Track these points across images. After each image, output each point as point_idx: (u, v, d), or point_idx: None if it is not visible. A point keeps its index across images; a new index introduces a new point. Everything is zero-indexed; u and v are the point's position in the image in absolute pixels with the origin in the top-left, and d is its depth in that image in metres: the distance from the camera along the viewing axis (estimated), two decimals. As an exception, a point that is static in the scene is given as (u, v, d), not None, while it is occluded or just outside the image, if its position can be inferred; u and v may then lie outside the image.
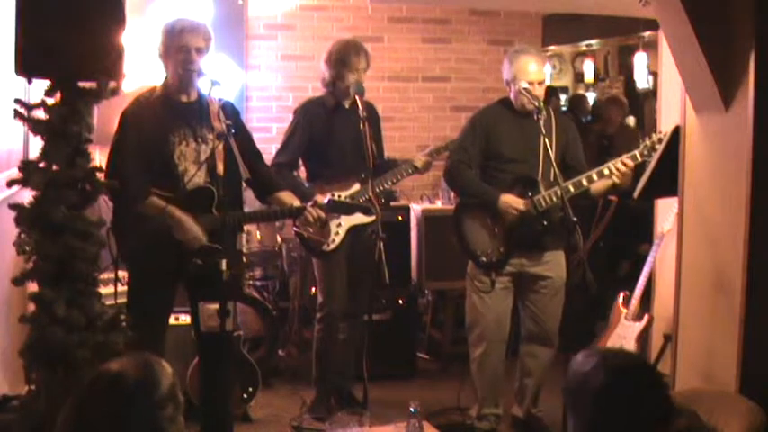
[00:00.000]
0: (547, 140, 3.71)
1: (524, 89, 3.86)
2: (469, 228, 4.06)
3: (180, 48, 3.41)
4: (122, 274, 3.62)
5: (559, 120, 4.06)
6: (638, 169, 3.85)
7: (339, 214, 4.01)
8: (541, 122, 3.72)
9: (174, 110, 3.49)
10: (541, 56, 4.03)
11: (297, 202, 3.68)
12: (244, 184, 3.63)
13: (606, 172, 3.83)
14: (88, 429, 1.58)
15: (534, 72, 3.91)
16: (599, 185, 3.89)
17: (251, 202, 4.01)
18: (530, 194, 3.90)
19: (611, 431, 1.80)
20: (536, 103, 3.78)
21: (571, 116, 6.37)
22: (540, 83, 3.93)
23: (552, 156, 3.69)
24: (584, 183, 3.83)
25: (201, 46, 3.45)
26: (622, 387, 1.81)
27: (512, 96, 4.00)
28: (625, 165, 3.81)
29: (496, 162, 4.01)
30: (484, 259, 4.00)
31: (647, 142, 3.79)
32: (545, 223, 3.91)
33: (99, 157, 3.68)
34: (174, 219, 3.40)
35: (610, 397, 1.79)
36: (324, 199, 3.65)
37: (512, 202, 3.89)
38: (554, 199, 3.83)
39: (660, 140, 3.70)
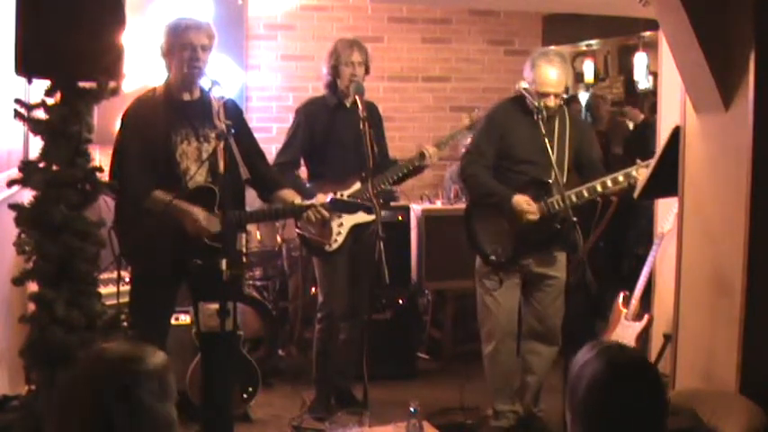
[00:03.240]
0: (552, 141, 3.71)
1: (524, 89, 3.85)
2: (481, 226, 4.05)
3: (184, 45, 3.41)
4: (124, 273, 3.62)
5: (574, 121, 4.05)
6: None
7: (341, 213, 4.01)
8: (541, 123, 3.72)
9: (177, 108, 3.49)
10: (565, 65, 3.93)
11: (299, 200, 3.68)
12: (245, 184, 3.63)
13: (621, 179, 3.81)
14: (74, 402, 1.58)
15: (554, 83, 3.86)
16: (614, 189, 3.88)
17: (251, 201, 4.01)
18: (545, 197, 3.90)
19: (604, 424, 1.78)
20: (536, 104, 3.78)
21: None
22: (557, 95, 3.88)
23: (565, 156, 3.70)
24: (599, 188, 3.82)
25: (206, 43, 3.45)
26: (619, 378, 1.79)
27: (528, 97, 3.95)
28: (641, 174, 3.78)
29: (509, 162, 4.01)
30: (494, 258, 4.00)
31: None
32: (558, 226, 3.90)
33: (99, 157, 3.68)
34: (181, 211, 3.38)
35: (604, 385, 1.78)
36: (326, 198, 3.65)
37: (524, 203, 3.89)
38: (566, 202, 3.82)
39: None
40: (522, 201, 3.89)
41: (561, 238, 3.95)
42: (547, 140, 3.68)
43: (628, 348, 1.88)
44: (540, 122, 3.71)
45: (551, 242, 3.97)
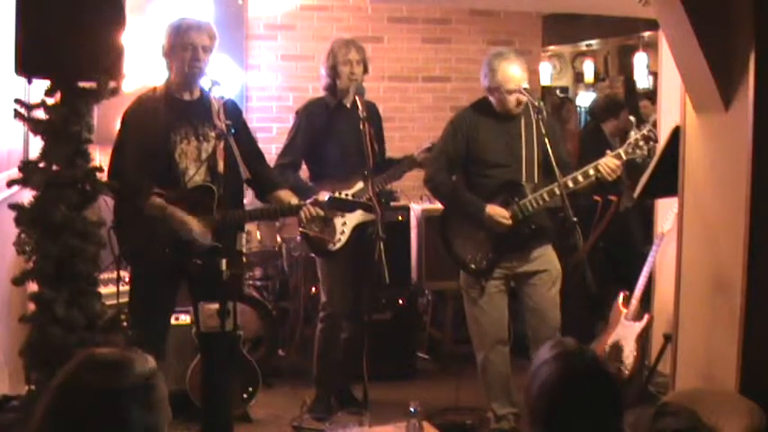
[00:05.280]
0: (520, 141, 3.68)
1: (525, 89, 3.85)
2: (457, 235, 4.06)
3: (186, 45, 3.42)
4: (123, 273, 3.62)
5: (540, 119, 4.04)
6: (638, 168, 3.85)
7: (340, 212, 4.01)
8: (542, 123, 3.71)
9: (176, 108, 3.50)
10: (520, 59, 3.95)
11: (295, 200, 3.68)
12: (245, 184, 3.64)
13: (591, 173, 3.78)
14: (59, 412, 1.56)
15: (519, 78, 3.86)
16: (584, 183, 3.86)
17: (251, 202, 4.01)
18: (516, 199, 3.88)
19: (554, 425, 1.80)
20: (536, 104, 3.78)
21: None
22: (521, 91, 3.88)
23: (535, 156, 3.68)
24: (570, 184, 3.77)
25: (207, 44, 3.46)
26: (570, 382, 1.80)
27: (493, 100, 3.96)
28: (609, 165, 3.76)
29: (480, 167, 3.99)
30: (473, 266, 4.00)
31: (631, 140, 3.77)
32: (533, 227, 3.91)
33: (99, 157, 3.69)
34: (176, 220, 3.40)
35: (555, 388, 1.79)
36: (324, 196, 3.65)
37: (497, 215, 3.87)
38: (540, 203, 3.83)
39: (645, 137, 3.70)
40: (495, 212, 3.88)
41: (538, 236, 3.95)
42: (547, 139, 3.68)
43: (586, 351, 1.88)
44: (541, 122, 3.71)
45: (528, 243, 3.95)
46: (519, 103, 3.89)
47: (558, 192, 3.72)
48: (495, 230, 3.90)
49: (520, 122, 3.93)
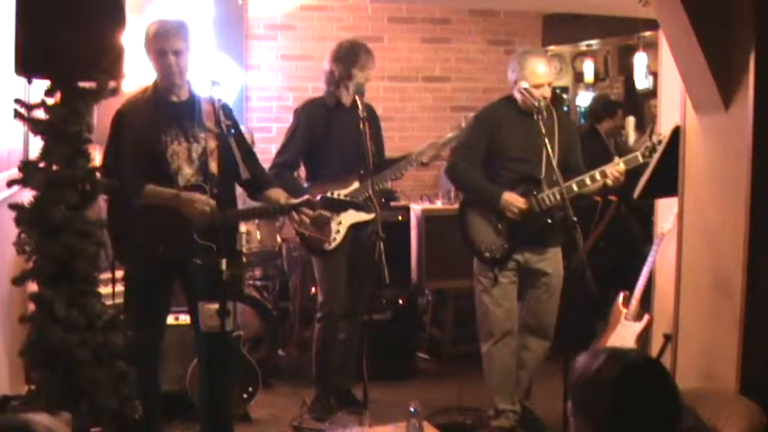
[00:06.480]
0: (547, 140, 3.74)
1: (524, 89, 3.90)
2: (474, 223, 4.11)
3: (158, 52, 3.44)
4: (120, 274, 3.62)
5: (562, 120, 4.11)
6: (640, 169, 3.88)
7: (333, 212, 4.00)
8: (541, 122, 3.75)
9: (165, 109, 3.51)
10: (548, 57, 4.09)
11: (284, 199, 3.66)
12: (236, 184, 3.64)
13: (609, 171, 3.91)
14: None
15: (544, 74, 3.97)
16: (593, 186, 3.97)
17: (249, 203, 4.01)
18: (534, 193, 3.96)
19: (623, 426, 1.86)
20: (536, 104, 3.82)
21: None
22: (549, 84, 4.01)
23: (554, 155, 3.75)
24: (588, 182, 3.92)
25: (180, 48, 3.44)
26: (636, 380, 1.88)
27: (518, 96, 4.03)
28: (621, 169, 3.92)
29: (501, 160, 4.06)
30: (488, 255, 4.05)
31: (648, 144, 3.85)
32: (549, 221, 3.98)
33: (99, 157, 3.69)
34: (183, 199, 3.39)
35: (625, 389, 1.85)
36: (316, 196, 3.64)
37: (513, 200, 3.94)
38: (557, 197, 3.89)
39: (660, 142, 3.74)
40: (511, 198, 3.96)
41: (553, 232, 4.02)
42: (546, 139, 3.73)
43: (633, 350, 2.00)
44: (540, 121, 3.75)
45: (543, 237, 4.04)
46: (545, 99, 3.96)
47: (576, 189, 3.87)
48: (510, 216, 3.96)
49: (543, 119, 3.99)
